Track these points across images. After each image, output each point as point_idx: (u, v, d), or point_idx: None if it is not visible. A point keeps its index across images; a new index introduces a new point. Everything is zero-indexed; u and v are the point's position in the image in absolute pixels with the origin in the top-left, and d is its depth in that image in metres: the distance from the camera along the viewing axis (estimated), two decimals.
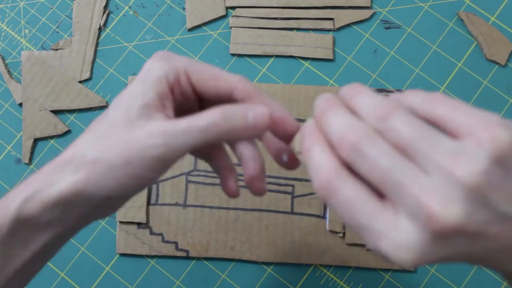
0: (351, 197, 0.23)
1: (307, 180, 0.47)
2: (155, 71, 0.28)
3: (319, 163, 0.24)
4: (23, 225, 0.28)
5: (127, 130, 0.27)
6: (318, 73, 0.50)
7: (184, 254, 0.46)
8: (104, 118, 0.29)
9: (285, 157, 0.30)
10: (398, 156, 0.22)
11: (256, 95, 0.29)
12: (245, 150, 0.30)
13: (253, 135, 0.28)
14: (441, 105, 0.23)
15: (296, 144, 0.28)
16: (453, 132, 0.22)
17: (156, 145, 0.26)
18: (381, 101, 0.24)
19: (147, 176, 0.27)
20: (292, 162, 0.30)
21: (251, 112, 0.27)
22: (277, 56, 0.51)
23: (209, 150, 0.32)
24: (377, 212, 0.23)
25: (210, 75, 0.29)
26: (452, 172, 0.21)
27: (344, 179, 0.23)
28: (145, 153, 0.26)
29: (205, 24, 0.52)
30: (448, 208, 0.21)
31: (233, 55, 0.51)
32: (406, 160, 0.22)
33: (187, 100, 0.29)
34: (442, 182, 0.21)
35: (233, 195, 0.31)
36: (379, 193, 0.23)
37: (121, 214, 0.47)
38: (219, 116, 0.26)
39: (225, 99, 0.29)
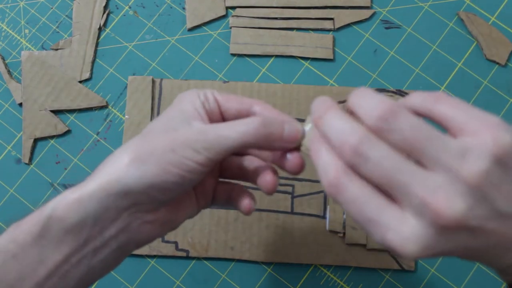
0: (358, 193, 0.24)
1: (307, 180, 0.47)
2: (189, 94, 0.32)
3: (326, 163, 0.25)
4: (55, 224, 0.27)
5: (169, 132, 0.29)
6: (318, 73, 0.50)
7: (184, 254, 0.46)
8: (141, 133, 0.31)
9: (289, 159, 0.31)
10: (400, 157, 0.23)
11: (272, 109, 0.32)
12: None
13: (284, 146, 0.30)
14: (443, 104, 0.24)
15: (304, 148, 0.31)
16: (455, 131, 0.24)
17: (199, 139, 0.29)
18: (383, 101, 0.24)
19: (191, 167, 0.28)
20: (298, 166, 0.31)
21: (288, 124, 0.30)
22: (277, 56, 0.51)
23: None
24: (384, 207, 0.24)
25: (234, 96, 0.33)
26: (457, 170, 0.22)
27: (351, 177, 0.24)
28: (189, 143, 0.28)
29: (205, 24, 0.52)
30: (453, 204, 0.22)
31: (233, 55, 0.51)
32: (408, 160, 0.23)
33: (214, 121, 0.32)
34: (447, 180, 0.22)
35: (273, 188, 0.32)
36: (384, 192, 0.24)
37: None
38: (259, 122, 0.29)
39: (245, 116, 0.32)
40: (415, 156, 0.23)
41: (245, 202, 0.33)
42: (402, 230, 0.23)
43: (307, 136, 0.30)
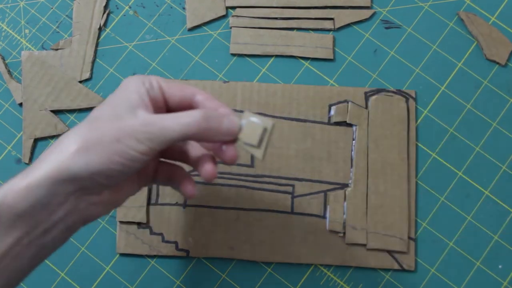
0: None
1: (307, 180, 0.47)
2: (134, 81, 0.33)
3: None
4: (5, 210, 0.28)
5: (115, 121, 0.30)
6: (318, 73, 0.50)
7: (184, 254, 0.46)
8: (87, 118, 0.32)
9: (224, 151, 0.34)
10: None
11: (213, 100, 0.34)
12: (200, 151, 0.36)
13: (223, 138, 0.33)
14: None
15: (240, 142, 0.33)
16: None
17: (143, 131, 0.30)
18: None
19: (134, 156, 0.30)
20: (232, 158, 0.34)
21: (227, 119, 0.32)
22: (277, 56, 0.51)
23: (178, 151, 0.37)
24: None
25: (177, 83, 0.34)
26: None
27: None
28: (134, 133, 0.30)
29: (205, 24, 0.52)
30: None
31: (233, 55, 0.51)
32: None
33: (157, 107, 0.33)
34: None
35: (212, 178, 0.34)
36: None
37: (121, 214, 0.47)
38: (201, 116, 0.31)
39: (187, 104, 0.34)
40: None
41: (189, 188, 0.35)
42: None
43: (244, 130, 0.33)
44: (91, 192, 0.31)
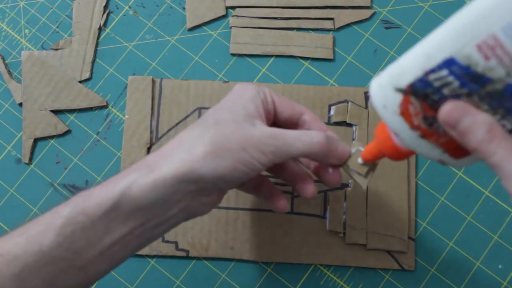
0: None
1: None
2: (250, 89, 0.34)
3: (477, 120, 0.25)
4: (127, 202, 0.30)
5: (238, 127, 0.31)
6: (318, 73, 0.50)
7: (184, 254, 0.46)
8: (207, 119, 0.33)
9: (331, 173, 0.36)
10: None
11: (319, 121, 0.36)
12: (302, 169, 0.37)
13: (334, 162, 0.34)
14: None
15: (345, 166, 0.35)
16: None
17: (269, 143, 0.31)
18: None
19: (256, 167, 0.31)
20: (336, 181, 0.36)
21: (341, 145, 0.34)
22: (277, 56, 0.51)
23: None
24: None
25: (287, 99, 0.36)
26: None
27: (500, 130, 0.25)
28: (259, 145, 0.31)
29: (205, 24, 0.52)
30: None
31: (233, 55, 0.51)
32: None
33: (267, 119, 0.35)
34: None
35: (313, 197, 0.36)
36: None
37: None
38: (324, 139, 0.33)
39: (295, 121, 0.36)
40: None
41: (281, 203, 0.37)
42: None
43: (352, 158, 0.35)
44: (206, 194, 0.32)
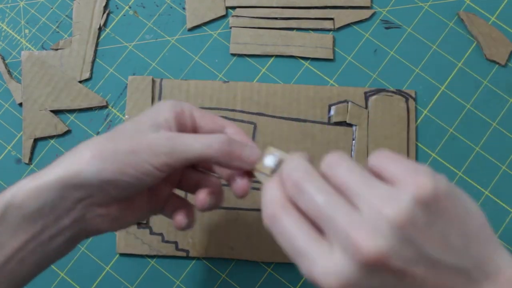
0: (291, 225, 0.26)
1: None
2: (167, 104, 0.33)
3: (269, 196, 0.27)
4: (14, 211, 0.29)
5: (135, 135, 0.31)
6: (318, 73, 0.50)
7: (184, 254, 0.46)
8: (110, 130, 0.32)
9: (238, 182, 0.33)
10: (333, 194, 0.25)
11: (243, 134, 0.34)
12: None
13: (240, 165, 0.32)
14: (384, 159, 0.26)
15: (257, 173, 0.32)
16: (389, 180, 0.25)
17: (162, 144, 0.30)
18: (335, 156, 0.27)
19: (148, 170, 0.30)
20: (243, 191, 0.33)
21: (249, 148, 0.32)
22: (277, 56, 0.51)
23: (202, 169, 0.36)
24: (313, 241, 0.25)
25: (209, 114, 0.34)
26: (380, 209, 0.24)
27: (287, 211, 0.26)
28: (151, 146, 0.30)
29: (205, 24, 0.52)
30: (373, 240, 0.23)
31: (233, 55, 0.51)
32: (340, 197, 0.25)
33: (183, 132, 0.33)
34: (371, 218, 0.24)
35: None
36: (319, 230, 0.26)
37: None
38: (224, 139, 0.31)
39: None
40: (348, 196, 0.25)
41: (178, 218, 0.35)
42: (326, 264, 0.24)
43: (263, 162, 0.32)
44: (100, 203, 0.31)
